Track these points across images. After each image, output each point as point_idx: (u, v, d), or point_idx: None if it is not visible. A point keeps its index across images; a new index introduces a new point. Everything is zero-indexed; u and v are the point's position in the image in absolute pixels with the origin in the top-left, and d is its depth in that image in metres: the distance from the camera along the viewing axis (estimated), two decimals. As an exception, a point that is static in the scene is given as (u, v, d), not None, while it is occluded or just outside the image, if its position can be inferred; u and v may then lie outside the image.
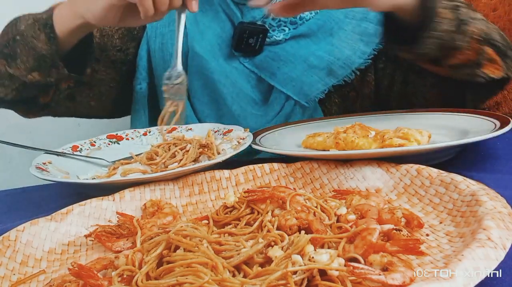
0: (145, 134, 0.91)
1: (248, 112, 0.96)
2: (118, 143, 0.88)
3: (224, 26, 0.98)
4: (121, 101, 1.04)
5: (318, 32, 0.96)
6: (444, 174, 0.53)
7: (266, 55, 0.96)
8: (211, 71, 0.96)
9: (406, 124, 0.76)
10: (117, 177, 0.71)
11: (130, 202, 0.61)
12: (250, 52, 0.96)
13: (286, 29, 0.97)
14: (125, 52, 1.01)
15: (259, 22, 0.93)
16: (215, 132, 0.86)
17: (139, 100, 1.01)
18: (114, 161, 0.81)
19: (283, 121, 0.95)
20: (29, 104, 0.90)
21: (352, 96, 0.97)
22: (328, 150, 0.71)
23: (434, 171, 0.54)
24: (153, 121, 0.99)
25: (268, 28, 0.94)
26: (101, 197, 0.61)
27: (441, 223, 0.48)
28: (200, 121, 0.98)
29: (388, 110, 0.92)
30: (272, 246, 0.43)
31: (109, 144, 0.88)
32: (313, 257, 0.40)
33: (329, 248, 0.44)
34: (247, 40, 0.93)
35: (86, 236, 0.54)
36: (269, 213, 0.51)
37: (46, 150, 0.80)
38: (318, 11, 0.97)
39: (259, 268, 0.41)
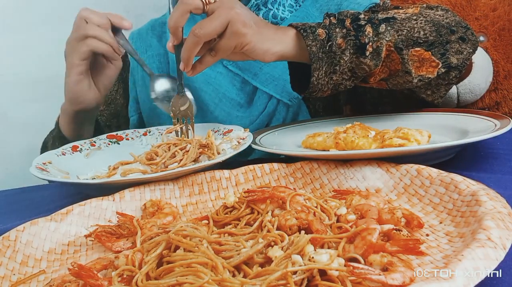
0: (145, 134, 0.91)
1: (233, 115, 0.97)
2: (118, 143, 0.88)
3: None
4: (122, 120, 1.09)
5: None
6: (444, 174, 0.53)
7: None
8: (191, 79, 0.96)
9: (406, 124, 0.76)
10: (117, 177, 0.71)
11: (130, 202, 0.61)
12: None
13: (286, 2, 0.97)
14: (118, 91, 1.08)
15: None
16: (215, 132, 0.86)
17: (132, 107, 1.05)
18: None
19: (266, 120, 0.96)
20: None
21: None
22: (328, 150, 0.71)
23: (434, 171, 0.54)
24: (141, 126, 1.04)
25: None
26: (101, 197, 0.61)
27: (441, 223, 0.48)
28: None
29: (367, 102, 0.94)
30: (272, 246, 0.43)
31: (109, 144, 0.88)
32: (313, 257, 0.40)
33: (329, 248, 0.44)
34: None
35: (86, 236, 0.54)
36: (269, 213, 0.51)
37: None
38: (296, 8, 0.98)
39: (259, 268, 0.41)
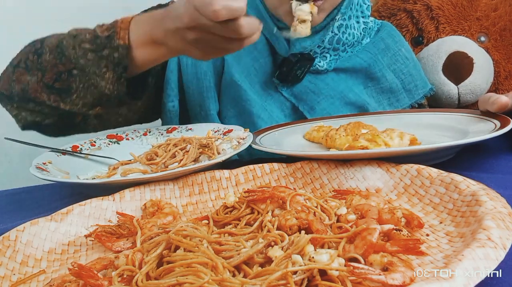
0: (145, 134, 0.91)
1: None
2: (118, 143, 0.88)
3: (262, 49, 0.96)
4: (149, 113, 0.99)
5: (360, 72, 0.99)
6: (444, 174, 0.53)
7: (306, 85, 0.95)
8: (249, 102, 0.93)
9: (406, 123, 0.76)
10: (117, 177, 0.71)
11: (130, 202, 0.61)
12: (292, 81, 0.94)
13: (328, 55, 0.97)
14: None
15: (306, 52, 0.92)
16: (215, 132, 0.86)
17: (172, 119, 0.97)
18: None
19: None
20: (64, 127, 0.85)
21: None
22: (329, 149, 0.72)
23: (434, 171, 0.54)
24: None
25: (314, 58, 0.93)
26: (101, 197, 0.61)
27: (441, 223, 0.48)
28: None
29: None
30: (272, 246, 0.43)
31: (109, 144, 0.88)
32: (313, 257, 0.39)
33: (329, 248, 0.44)
34: (296, 71, 0.91)
35: (86, 236, 0.54)
36: (269, 213, 0.51)
37: (52, 148, 0.80)
38: (366, 49, 1.00)
39: (259, 268, 0.41)
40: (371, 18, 1.05)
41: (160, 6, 0.98)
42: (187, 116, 0.99)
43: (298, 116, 0.97)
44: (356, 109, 0.96)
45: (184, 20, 0.65)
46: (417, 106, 1.05)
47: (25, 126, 0.84)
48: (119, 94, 0.76)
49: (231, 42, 0.67)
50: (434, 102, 1.13)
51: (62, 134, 0.88)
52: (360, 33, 1.00)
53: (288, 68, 0.91)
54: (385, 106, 1.01)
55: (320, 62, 0.96)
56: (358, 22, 1.00)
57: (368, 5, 1.01)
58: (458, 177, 0.51)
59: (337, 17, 0.94)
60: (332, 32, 0.95)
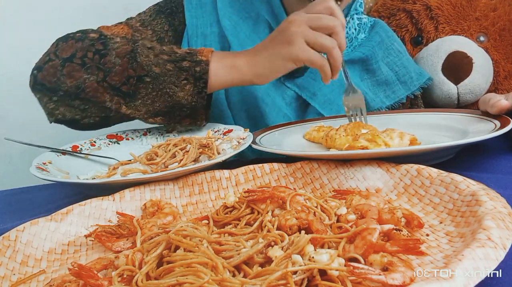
0: (145, 134, 0.91)
1: None
2: (118, 143, 0.88)
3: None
4: None
5: (357, 64, 1.01)
6: (444, 174, 0.53)
7: (307, 75, 0.97)
8: (254, 88, 0.94)
9: (406, 123, 0.76)
10: (117, 177, 0.71)
11: (130, 202, 0.61)
12: (296, 73, 0.96)
13: None
14: None
15: None
16: (215, 132, 0.86)
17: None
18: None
19: None
20: (98, 126, 0.86)
21: None
22: (329, 149, 0.72)
23: (434, 171, 0.54)
24: None
25: None
26: (101, 197, 0.60)
27: (441, 223, 0.48)
28: None
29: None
30: (272, 246, 0.43)
31: (109, 144, 0.88)
32: (313, 257, 0.39)
33: (329, 248, 0.44)
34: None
35: (86, 236, 0.54)
36: (269, 213, 0.51)
37: (52, 148, 0.80)
38: (363, 44, 1.03)
39: (259, 268, 0.41)
40: (364, 15, 1.08)
41: (160, 5, 1.00)
42: None
43: (298, 104, 0.98)
44: None
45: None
46: (413, 97, 1.07)
47: (57, 121, 0.84)
48: (197, 105, 0.79)
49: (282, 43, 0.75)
50: (434, 102, 1.13)
51: (88, 129, 0.89)
52: (355, 29, 1.04)
53: None
54: (382, 98, 1.02)
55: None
56: (353, 19, 1.04)
57: (361, 2, 1.05)
58: (458, 177, 0.51)
59: (347, 18, 0.97)
60: None
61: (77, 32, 0.84)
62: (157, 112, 0.79)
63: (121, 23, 0.95)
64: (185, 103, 0.78)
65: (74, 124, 0.84)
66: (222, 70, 0.78)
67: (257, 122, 0.97)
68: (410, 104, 1.08)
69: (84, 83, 0.77)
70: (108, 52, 0.78)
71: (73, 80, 0.77)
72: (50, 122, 0.84)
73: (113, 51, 0.78)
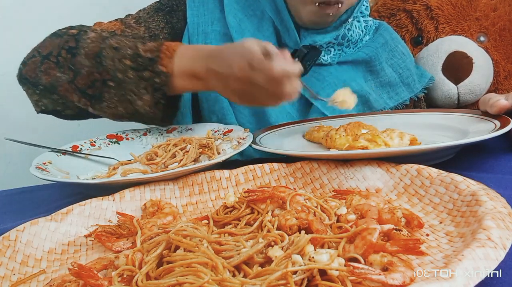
0: (145, 134, 0.91)
1: None
2: (118, 143, 0.88)
3: (269, 39, 0.97)
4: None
5: (361, 65, 1.01)
6: (444, 174, 0.53)
7: (311, 75, 0.97)
8: None
9: (406, 123, 0.76)
10: (117, 177, 0.71)
11: (130, 202, 0.61)
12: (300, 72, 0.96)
13: (332, 50, 1.00)
14: None
15: (317, 45, 0.95)
16: (215, 132, 0.86)
17: (185, 103, 0.98)
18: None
19: None
20: (82, 117, 0.88)
21: None
22: (329, 149, 0.72)
23: (434, 171, 0.54)
24: (196, 121, 0.99)
25: (322, 50, 0.96)
26: (101, 197, 0.61)
27: (441, 223, 0.48)
28: None
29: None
30: (272, 246, 0.43)
31: (109, 144, 0.88)
32: (313, 257, 0.40)
33: (329, 248, 0.44)
34: (306, 61, 0.93)
35: (86, 236, 0.54)
36: (269, 213, 0.51)
37: (52, 148, 0.80)
38: (367, 45, 1.03)
39: (259, 268, 0.41)
40: (370, 18, 1.08)
41: (161, 3, 1.00)
42: (196, 100, 1.00)
43: (301, 103, 0.98)
44: (358, 99, 0.97)
45: (233, 70, 0.68)
46: (416, 99, 1.08)
47: (42, 111, 0.86)
48: (154, 116, 0.79)
49: (271, 98, 0.70)
50: (434, 102, 1.13)
51: (77, 119, 0.91)
52: (362, 31, 1.04)
53: (299, 58, 0.92)
54: (385, 99, 1.03)
55: (324, 56, 0.98)
56: (359, 21, 1.04)
57: (367, 6, 1.06)
58: (458, 177, 0.51)
59: (349, 20, 0.97)
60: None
61: (64, 27, 0.86)
62: (121, 115, 0.81)
63: (117, 19, 0.96)
64: (143, 113, 0.78)
65: (58, 114, 0.87)
66: (184, 82, 0.77)
67: (259, 120, 0.96)
68: (413, 106, 1.08)
69: (57, 81, 0.80)
70: (78, 51, 0.79)
71: (49, 78, 0.80)
72: (37, 113, 0.87)
73: (82, 49, 0.79)
